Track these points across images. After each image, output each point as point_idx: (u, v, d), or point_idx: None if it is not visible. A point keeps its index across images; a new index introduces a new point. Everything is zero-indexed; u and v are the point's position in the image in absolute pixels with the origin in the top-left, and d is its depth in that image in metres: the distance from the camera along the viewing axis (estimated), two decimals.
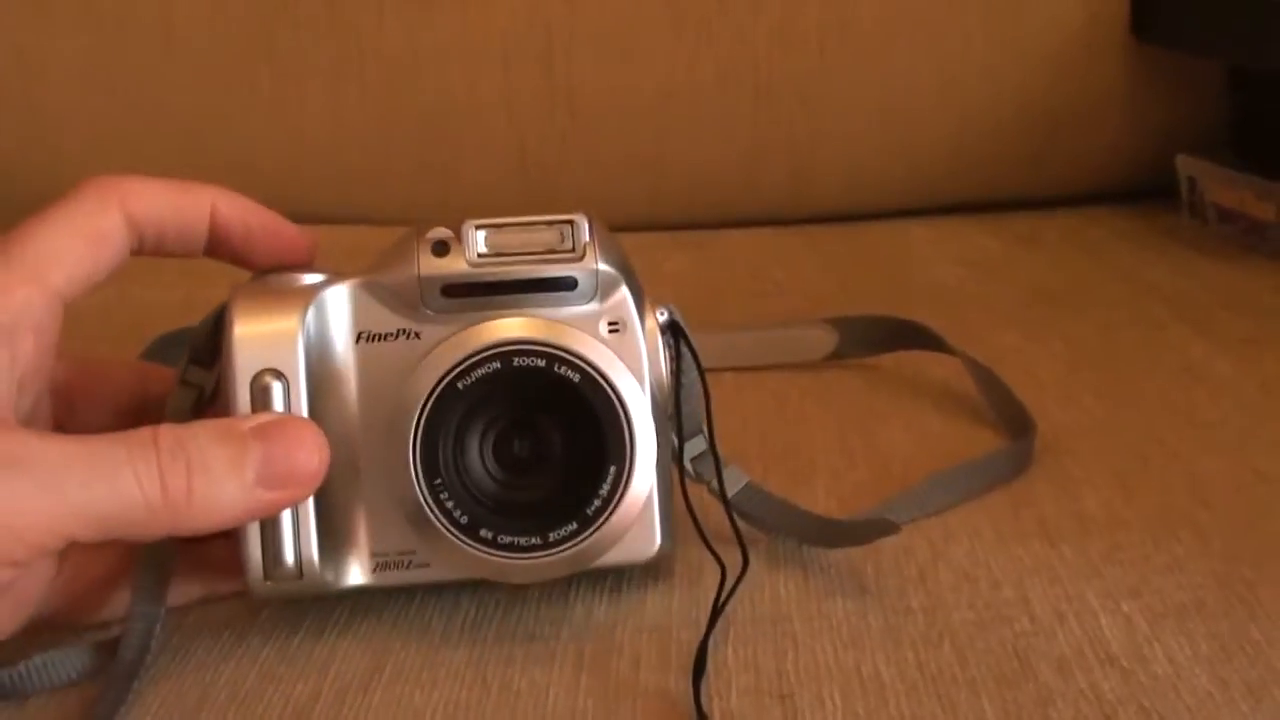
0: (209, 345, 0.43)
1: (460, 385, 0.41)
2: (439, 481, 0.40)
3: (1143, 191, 0.90)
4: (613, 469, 0.41)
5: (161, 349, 0.56)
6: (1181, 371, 0.62)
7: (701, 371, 0.45)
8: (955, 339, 0.60)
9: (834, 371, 0.64)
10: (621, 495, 0.41)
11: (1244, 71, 0.85)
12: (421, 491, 0.40)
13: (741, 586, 0.44)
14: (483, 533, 0.40)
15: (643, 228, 0.83)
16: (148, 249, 0.42)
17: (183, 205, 0.42)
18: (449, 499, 0.40)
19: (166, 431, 0.37)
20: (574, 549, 0.41)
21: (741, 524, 0.45)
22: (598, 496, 0.41)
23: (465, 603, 0.44)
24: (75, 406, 0.44)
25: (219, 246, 0.43)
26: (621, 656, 0.41)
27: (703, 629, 0.41)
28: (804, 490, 0.49)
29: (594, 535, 0.41)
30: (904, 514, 0.48)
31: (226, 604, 0.44)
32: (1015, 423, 0.55)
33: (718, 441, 0.45)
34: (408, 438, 0.40)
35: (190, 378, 0.43)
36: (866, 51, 0.87)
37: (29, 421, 0.40)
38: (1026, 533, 0.47)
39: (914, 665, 0.40)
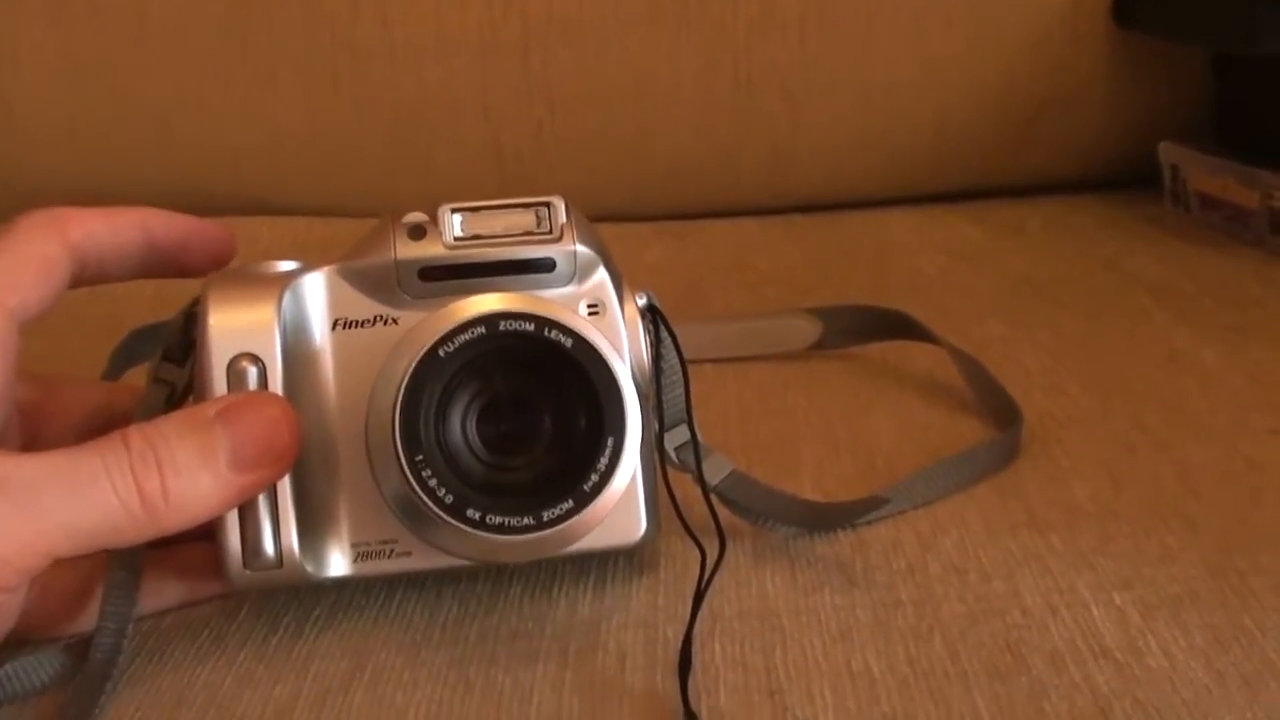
0: (182, 341, 0.42)
1: (441, 353, 0.39)
2: (420, 458, 0.38)
3: (1125, 179, 0.90)
4: (610, 440, 0.39)
5: (134, 343, 0.55)
6: (1167, 360, 0.61)
7: (681, 357, 0.44)
8: (939, 329, 0.59)
9: (817, 362, 0.63)
10: (617, 469, 0.39)
11: (1226, 58, 0.85)
12: (403, 468, 0.38)
13: (728, 582, 0.43)
14: (469, 513, 0.38)
15: (622, 218, 0.83)
16: (89, 276, 0.42)
17: (118, 230, 0.42)
18: (432, 477, 0.38)
19: (135, 432, 0.37)
20: (565, 526, 0.39)
21: (728, 513, 0.45)
22: (595, 471, 0.39)
23: (447, 599, 0.43)
24: (41, 427, 0.43)
25: (157, 263, 0.43)
26: (607, 654, 0.40)
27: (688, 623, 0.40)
28: (789, 482, 0.48)
29: (587, 512, 0.39)
30: (891, 507, 0.47)
31: (204, 605, 0.43)
32: (1002, 413, 0.54)
33: (699, 430, 0.44)
34: (389, 412, 0.39)
35: (163, 375, 0.42)
36: (847, 40, 0.86)
37: None
38: (1016, 524, 0.47)
39: (904, 660, 0.39)
